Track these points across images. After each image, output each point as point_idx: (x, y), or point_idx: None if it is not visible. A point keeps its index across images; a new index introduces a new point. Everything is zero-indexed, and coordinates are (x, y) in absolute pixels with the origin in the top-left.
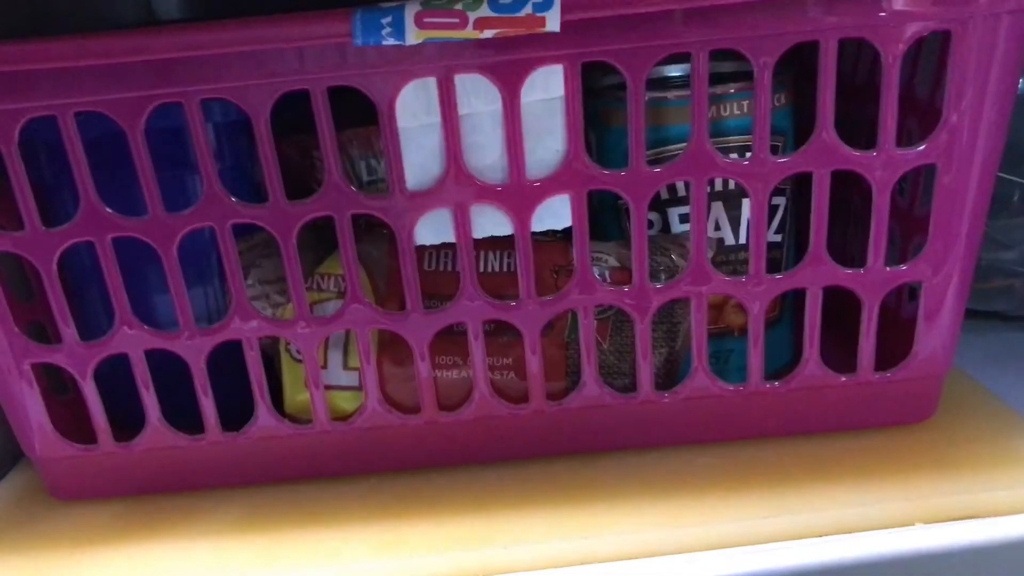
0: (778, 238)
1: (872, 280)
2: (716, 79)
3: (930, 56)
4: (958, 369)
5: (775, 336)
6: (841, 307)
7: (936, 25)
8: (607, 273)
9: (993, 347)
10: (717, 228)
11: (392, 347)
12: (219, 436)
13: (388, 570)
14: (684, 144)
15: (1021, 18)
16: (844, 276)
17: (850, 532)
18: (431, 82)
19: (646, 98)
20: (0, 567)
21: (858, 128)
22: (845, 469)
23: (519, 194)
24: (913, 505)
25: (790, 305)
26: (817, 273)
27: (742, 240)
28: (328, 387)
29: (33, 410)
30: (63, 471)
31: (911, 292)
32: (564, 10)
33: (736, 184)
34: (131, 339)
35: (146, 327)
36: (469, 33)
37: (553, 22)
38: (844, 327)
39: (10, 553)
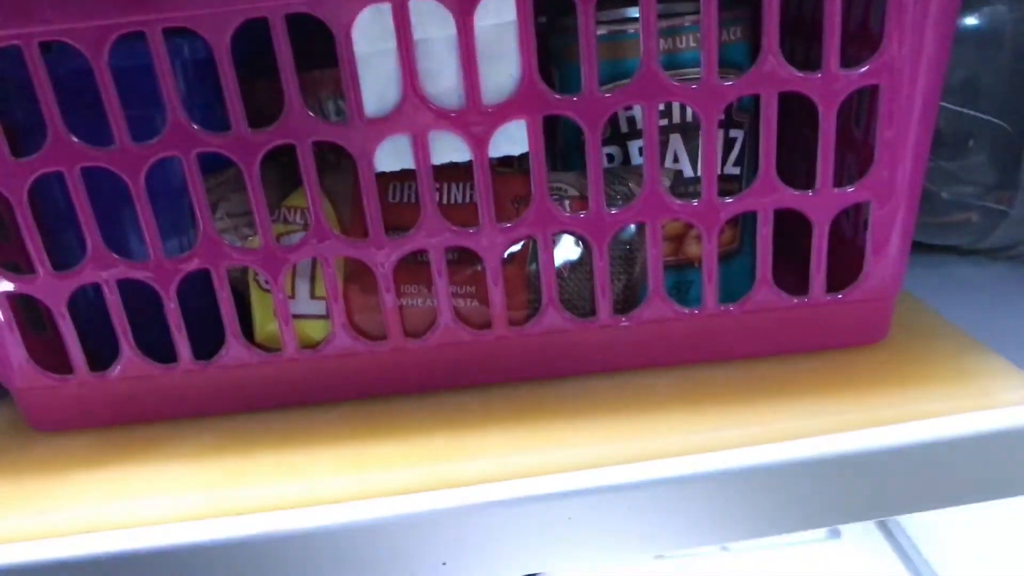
0: (736, 171)
1: (821, 202)
2: (672, 14)
3: None
4: (913, 297)
5: (735, 267)
6: (799, 243)
7: None
8: (567, 203)
9: (950, 278)
10: (676, 161)
11: (358, 277)
12: (191, 365)
13: (354, 485)
14: (631, 71)
15: None
16: (793, 198)
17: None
18: (386, 8)
19: (606, 31)
20: None
21: (807, 64)
22: (799, 387)
23: (476, 119)
24: (865, 415)
25: (750, 237)
26: (767, 195)
27: (699, 173)
28: (296, 316)
29: (11, 342)
30: (41, 402)
31: (865, 223)
32: None
33: (693, 116)
34: (102, 268)
35: (117, 256)
36: None
37: None
38: (802, 259)
39: None
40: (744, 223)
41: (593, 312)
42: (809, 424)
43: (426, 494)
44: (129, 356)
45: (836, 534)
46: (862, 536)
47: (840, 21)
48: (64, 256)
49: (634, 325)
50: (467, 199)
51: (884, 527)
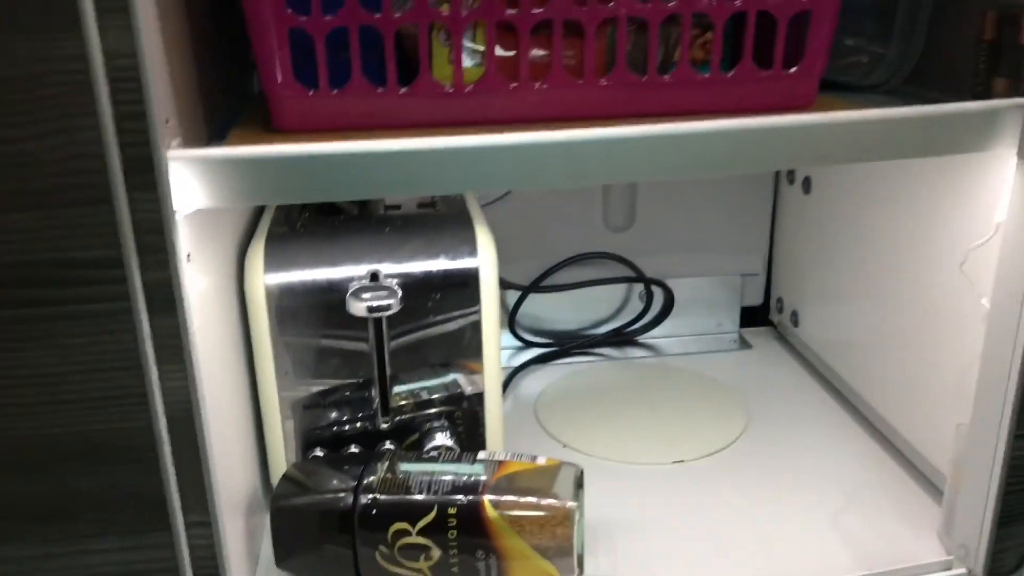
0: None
1: (785, 6)
2: None
3: None
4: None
5: (727, 66)
6: (765, 51)
7: None
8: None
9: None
10: None
11: (503, 40)
12: (395, 89)
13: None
14: None
15: None
16: (770, 3)
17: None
18: None
19: None
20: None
21: None
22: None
23: None
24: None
25: (731, 51)
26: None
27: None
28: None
29: (282, 60)
30: (293, 107)
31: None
32: None
33: None
34: (350, 15)
35: (362, 8)
36: None
37: None
38: (767, 59)
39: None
40: (728, 39)
41: (644, 70)
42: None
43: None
44: (357, 78)
45: (748, 345)
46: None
47: None
48: (326, 9)
49: (669, 81)
50: None
51: (784, 340)
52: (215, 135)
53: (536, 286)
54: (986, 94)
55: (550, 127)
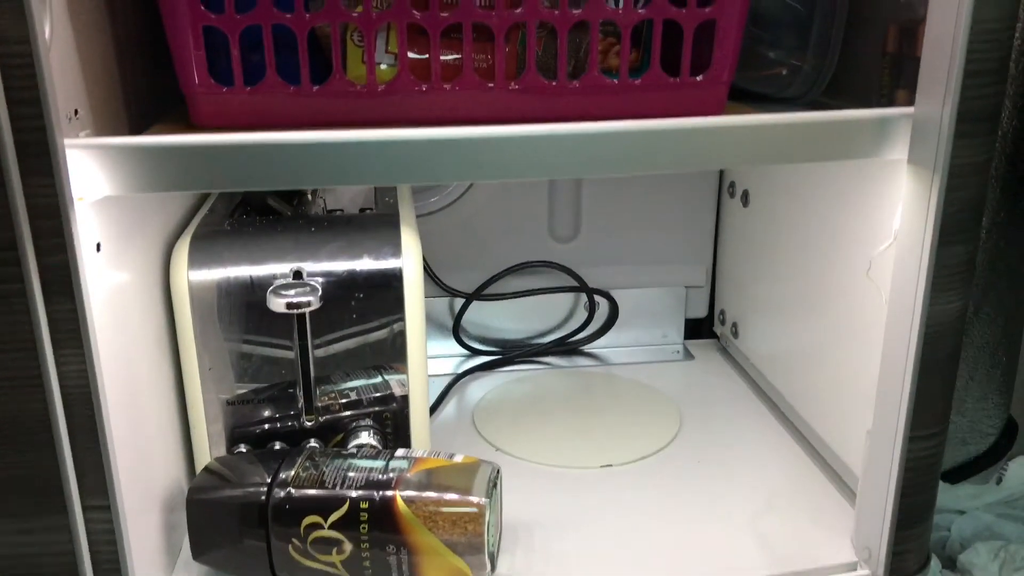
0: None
1: (689, 15)
2: None
3: None
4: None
5: (637, 73)
6: (674, 57)
7: None
8: (546, 5)
9: (756, 108)
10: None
11: (414, 41)
12: (308, 87)
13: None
14: None
15: None
16: (674, 12)
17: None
18: None
19: None
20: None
21: None
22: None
23: None
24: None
25: (647, 57)
26: (659, 10)
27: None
28: (376, 63)
29: (197, 60)
30: (209, 105)
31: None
32: None
33: None
34: (263, 14)
35: (275, 8)
36: None
37: None
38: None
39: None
40: (644, 48)
41: (555, 75)
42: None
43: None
44: (271, 76)
45: (691, 356)
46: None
47: None
48: (240, 8)
49: (581, 86)
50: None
51: (726, 352)
52: (139, 122)
53: (480, 294)
54: (890, 104)
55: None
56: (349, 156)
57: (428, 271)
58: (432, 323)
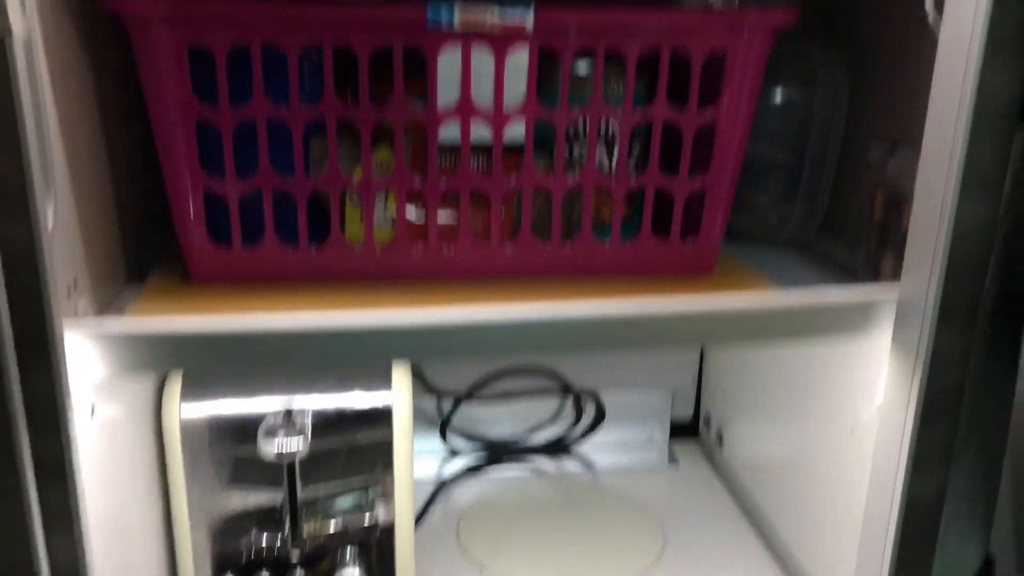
0: (634, 168)
1: (680, 186)
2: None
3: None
4: (733, 257)
5: (628, 228)
6: (664, 218)
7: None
8: (539, 172)
9: (758, 256)
10: (600, 162)
11: (416, 200)
12: (306, 248)
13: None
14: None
15: (764, 40)
16: (666, 182)
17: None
18: (458, 50)
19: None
20: (168, 308)
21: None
22: (656, 288)
23: (500, 118)
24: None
25: (638, 214)
26: (652, 180)
27: (614, 166)
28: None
29: (196, 221)
30: (208, 263)
31: (704, 200)
32: (536, 23)
33: (612, 132)
34: (264, 180)
35: (276, 173)
36: (487, 26)
37: (530, 25)
38: (666, 224)
39: (169, 304)
40: (635, 205)
41: (549, 236)
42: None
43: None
44: (270, 237)
45: (675, 460)
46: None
47: (698, 87)
48: (245, 171)
49: (573, 249)
50: (484, 167)
51: (710, 457)
52: (138, 269)
53: (468, 395)
54: (876, 270)
55: (453, 302)
56: (340, 342)
57: (416, 372)
58: (420, 421)
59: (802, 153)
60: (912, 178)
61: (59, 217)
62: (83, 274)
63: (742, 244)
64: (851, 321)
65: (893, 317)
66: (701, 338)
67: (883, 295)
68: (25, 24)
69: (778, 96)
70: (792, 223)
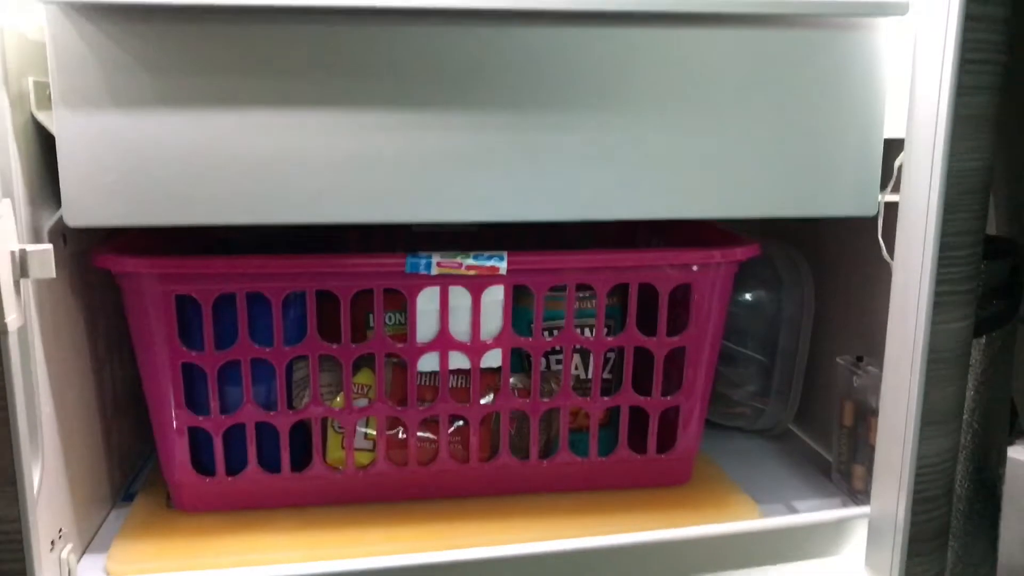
0: (609, 376)
1: (654, 404)
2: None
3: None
4: (710, 458)
5: (606, 432)
6: (641, 420)
7: (686, 278)
8: (516, 391)
9: (735, 447)
10: (576, 368)
11: (392, 426)
12: (289, 474)
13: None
14: (563, 321)
15: (729, 269)
16: (640, 400)
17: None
18: (436, 289)
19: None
20: (150, 547)
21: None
22: (633, 505)
23: (477, 347)
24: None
25: (615, 418)
26: (625, 399)
27: (589, 375)
28: (355, 448)
29: (180, 453)
30: (192, 493)
31: (678, 414)
32: (509, 266)
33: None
34: (248, 413)
35: (260, 407)
36: (463, 271)
37: (504, 270)
38: (642, 429)
39: (152, 540)
40: (612, 416)
41: (526, 454)
42: (636, 522)
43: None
44: (253, 467)
45: None
46: None
47: (666, 319)
48: (227, 403)
49: (550, 465)
50: (462, 384)
51: None
52: (123, 487)
53: None
54: (848, 474)
55: (431, 530)
56: None
57: None
58: None
59: (773, 349)
60: (876, 392)
61: (45, 477)
62: (68, 522)
63: (717, 432)
64: (824, 540)
65: (866, 535)
66: (686, 566)
67: (854, 513)
68: (20, 314)
69: (747, 295)
70: (766, 416)
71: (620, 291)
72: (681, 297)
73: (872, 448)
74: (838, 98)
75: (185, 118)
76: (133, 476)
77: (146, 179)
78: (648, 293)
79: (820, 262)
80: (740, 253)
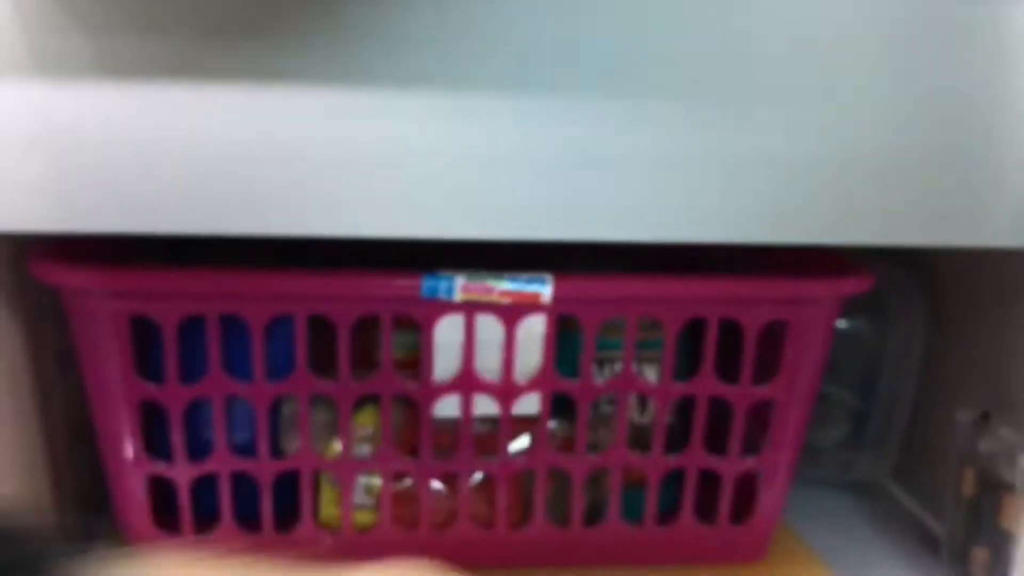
0: (671, 421)
1: (729, 466)
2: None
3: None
4: (790, 528)
5: (666, 494)
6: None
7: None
8: (555, 441)
9: (819, 507)
10: (631, 409)
11: (402, 477)
12: (271, 534)
13: None
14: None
15: (831, 308)
16: (713, 463)
17: None
18: (460, 319)
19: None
20: None
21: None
22: None
23: (509, 391)
24: None
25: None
26: (694, 460)
27: (646, 418)
28: (354, 506)
29: (143, 510)
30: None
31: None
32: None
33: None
34: (223, 461)
35: (235, 454)
36: (495, 298)
37: (547, 298)
38: (710, 488)
39: None
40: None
41: (565, 517)
42: None
43: None
44: (227, 524)
45: None
46: None
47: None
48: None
49: (596, 534)
50: (488, 432)
51: None
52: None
53: None
54: (963, 557)
55: None
56: None
57: None
58: None
59: (871, 391)
60: (1012, 462)
61: None
62: None
63: (800, 489)
64: None
65: None
66: None
67: None
68: None
69: (842, 323)
70: (858, 469)
71: (691, 330)
72: (769, 336)
73: (1003, 533)
74: (1001, 94)
75: (137, 93)
76: (90, 526)
77: (84, 171)
78: (728, 332)
79: (938, 288)
80: (849, 285)
